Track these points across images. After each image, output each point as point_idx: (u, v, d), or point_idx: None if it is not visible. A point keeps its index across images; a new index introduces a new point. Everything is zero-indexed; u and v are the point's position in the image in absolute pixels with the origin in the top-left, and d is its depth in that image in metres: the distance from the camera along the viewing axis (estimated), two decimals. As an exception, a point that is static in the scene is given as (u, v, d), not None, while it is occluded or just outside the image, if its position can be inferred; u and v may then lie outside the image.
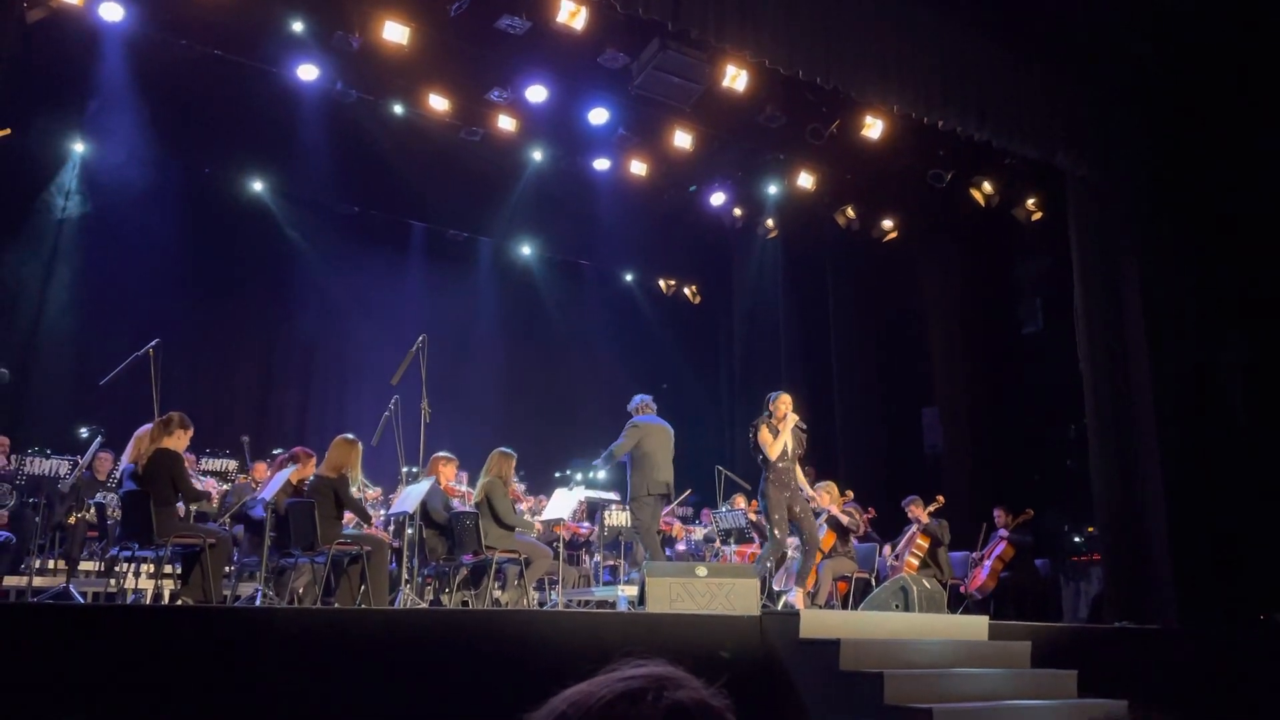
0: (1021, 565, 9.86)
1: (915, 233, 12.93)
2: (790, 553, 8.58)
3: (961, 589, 9.83)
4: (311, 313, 12.98)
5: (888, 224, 12.97)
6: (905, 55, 8.60)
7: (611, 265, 15.39)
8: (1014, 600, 9.66)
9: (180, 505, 6.73)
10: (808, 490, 7.95)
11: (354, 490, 7.41)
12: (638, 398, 8.45)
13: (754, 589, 6.42)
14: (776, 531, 7.37)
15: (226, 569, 7.48)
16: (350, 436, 7.42)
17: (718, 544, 9.89)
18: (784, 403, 7.57)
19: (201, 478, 8.32)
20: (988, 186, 11.78)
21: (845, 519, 8.99)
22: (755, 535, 9.37)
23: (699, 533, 10.71)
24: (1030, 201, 11.78)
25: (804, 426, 7.63)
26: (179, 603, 6.57)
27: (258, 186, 12.35)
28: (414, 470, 8.47)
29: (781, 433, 7.45)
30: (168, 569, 7.31)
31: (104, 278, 11.23)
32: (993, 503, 10.33)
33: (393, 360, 8.28)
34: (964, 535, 10.18)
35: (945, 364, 12.69)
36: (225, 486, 8.69)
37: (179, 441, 6.77)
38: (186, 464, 7.06)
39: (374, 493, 8.99)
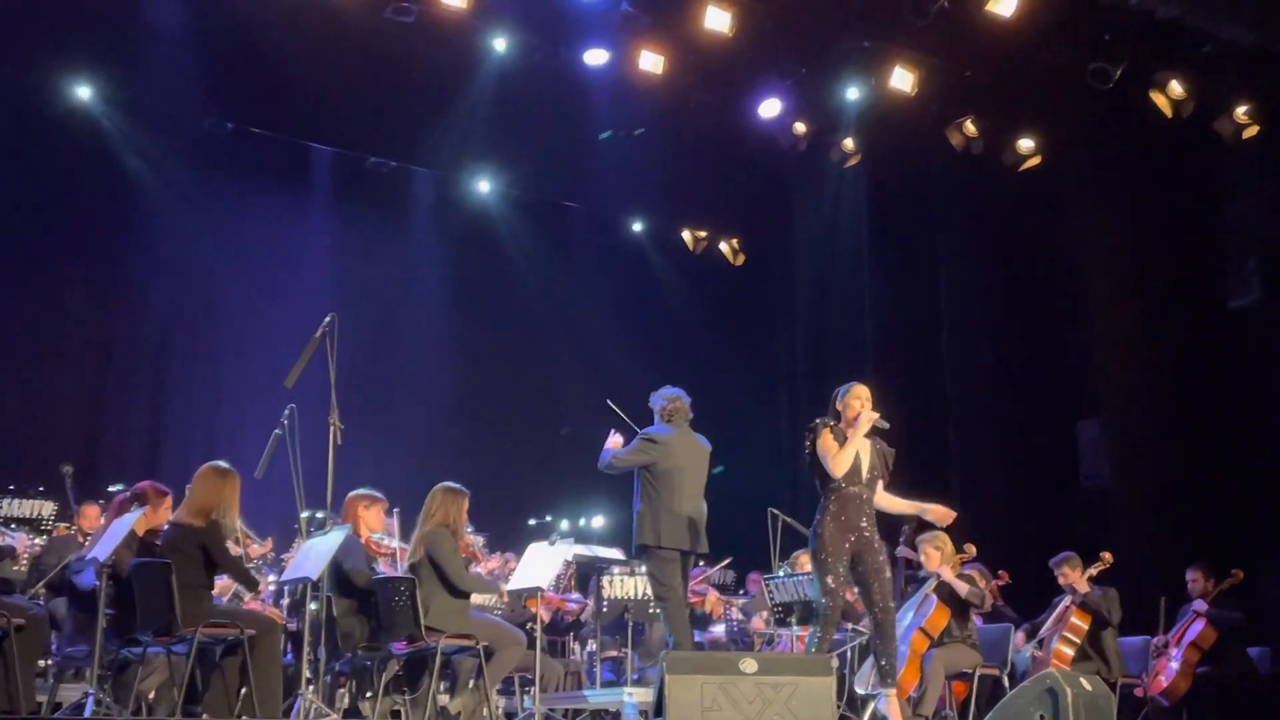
0: (1228, 654, 9.79)
1: (1067, 158, 12.87)
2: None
3: (1138, 691, 9.77)
4: (166, 281, 12.99)
5: (1026, 145, 12.92)
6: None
7: (612, 209, 15.36)
8: (1218, 708, 9.60)
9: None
10: (932, 511, 7.74)
11: (230, 545, 7.41)
12: (665, 393, 8.37)
13: (827, 692, 6.42)
14: (826, 598, 7.32)
15: (41, 663, 7.47)
16: (223, 465, 7.41)
17: (772, 625, 9.88)
18: (858, 396, 7.54)
19: (5, 529, 8.34)
20: (1177, 88, 11.71)
21: (963, 587, 8.96)
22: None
23: (744, 608, 10.70)
24: (1241, 110, 11.70)
25: (886, 425, 7.56)
26: (-29, 713, 6.60)
27: (84, 94, 12.35)
28: (319, 515, 8.46)
29: (851, 439, 7.42)
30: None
31: None
32: (1185, 561, 10.28)
33: (287, 351, 8.27)
34: (1142, 610, 10.10)
35: (1113, 355, 12.63)
36: (38, 540, 8.71)
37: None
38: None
39: (260, 548, 9.00)
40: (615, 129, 13.38)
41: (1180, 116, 11.80)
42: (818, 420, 7.57)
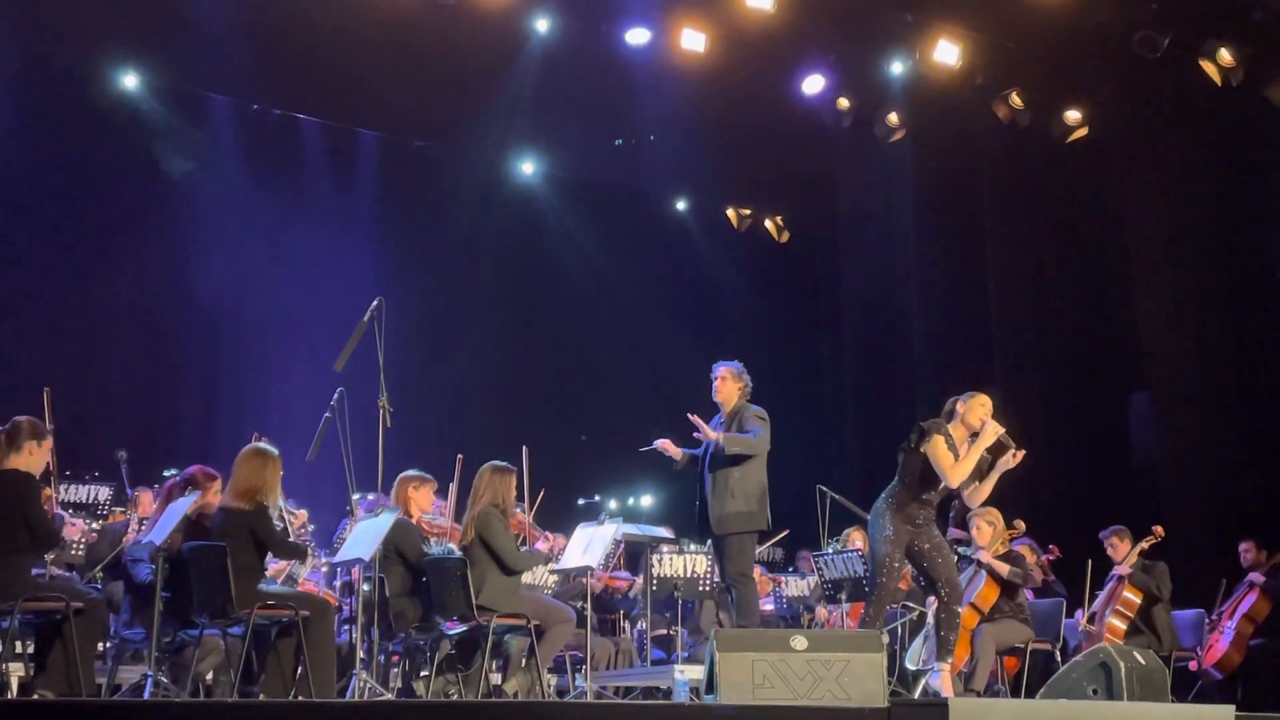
0: (1282, 627, 9.76)
1: (1115, 129, 12.76)
2: (930, 613, 8.55)
3: (1192, 664, 9.74)
4: (215, 266, 13.05)
5: (1074, 116, 12.82)
6: None
7: (656, 188, 15.34)
8: (1271, 679, 9.53)
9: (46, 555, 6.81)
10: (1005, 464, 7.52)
11: (277, 522, 7.47)
12: (734, 366, 8.44)
13: (877, 668, 6.43)
14: (884, 577, 7.39)
15: (100, 645, 7.56)
16: (262, 446, 7.46)
17: (822, 602, 9.88)
18: (982, 404, 7.47)
19: (67, 515, 8.41)
20: (1226, 56, 11.58)
21: (1004, 569, 8.85)
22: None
23: (795, 585, 10.70)
24: (1291, 76, 11.59)
25: (1014, 446, 7.41)
26: (34, 697, 6.68)
27: (129, 82, 12.45)
28: (369, 497, 8.52)
29: (972, 451, 7.37)
30: (15, 647, 7.43)
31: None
32: (1238, 533, 10.21)
33: (335, 335, 8.32)
34: (1195, 583, 10.07)
35: (1163, 327, 12.54)
36: (94, 526, 8.80)
37: (33, 460, 6.80)
38: (44, 495, 7.15)
39: (299, 516, 9.02)
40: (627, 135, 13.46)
41: (1229, 85, 11.69)
42: (930, 422, 7.54)
